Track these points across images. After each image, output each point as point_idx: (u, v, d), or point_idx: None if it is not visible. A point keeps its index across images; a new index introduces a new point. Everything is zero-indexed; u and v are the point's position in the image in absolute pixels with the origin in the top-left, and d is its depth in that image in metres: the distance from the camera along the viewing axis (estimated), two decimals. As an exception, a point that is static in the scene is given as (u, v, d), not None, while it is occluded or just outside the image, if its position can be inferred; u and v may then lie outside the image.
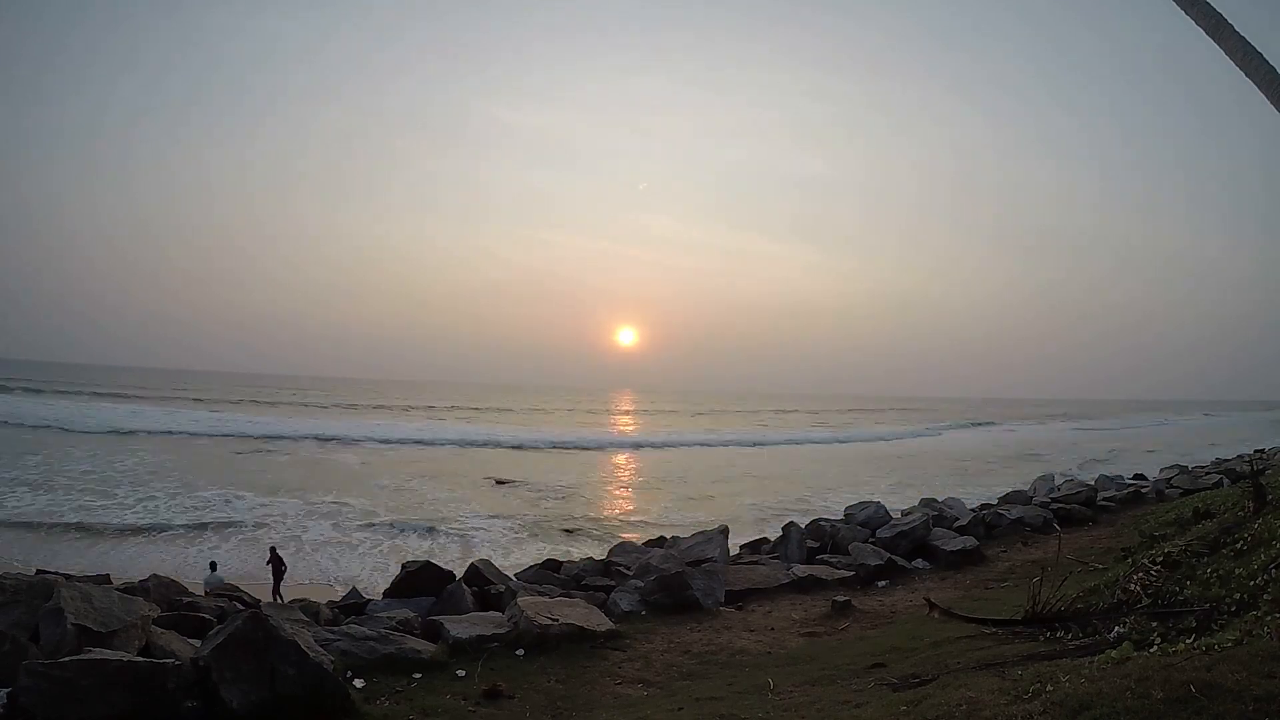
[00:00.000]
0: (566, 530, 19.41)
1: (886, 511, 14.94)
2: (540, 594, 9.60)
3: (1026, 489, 20.58)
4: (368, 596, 10.22)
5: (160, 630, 6.77)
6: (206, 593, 10.25)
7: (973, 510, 16.91)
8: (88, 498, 20.18)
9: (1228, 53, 7.97)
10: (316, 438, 39.71)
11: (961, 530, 14.37)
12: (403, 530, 17.95)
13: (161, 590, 8.87)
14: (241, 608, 8.20)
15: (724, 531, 12.83)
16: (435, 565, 10.26)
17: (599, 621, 8.52)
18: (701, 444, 47.97)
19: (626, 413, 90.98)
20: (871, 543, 12.93)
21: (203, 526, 17.62)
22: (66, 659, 5.36)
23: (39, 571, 8.59)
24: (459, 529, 18.56)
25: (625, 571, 11.29)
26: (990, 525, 15.22)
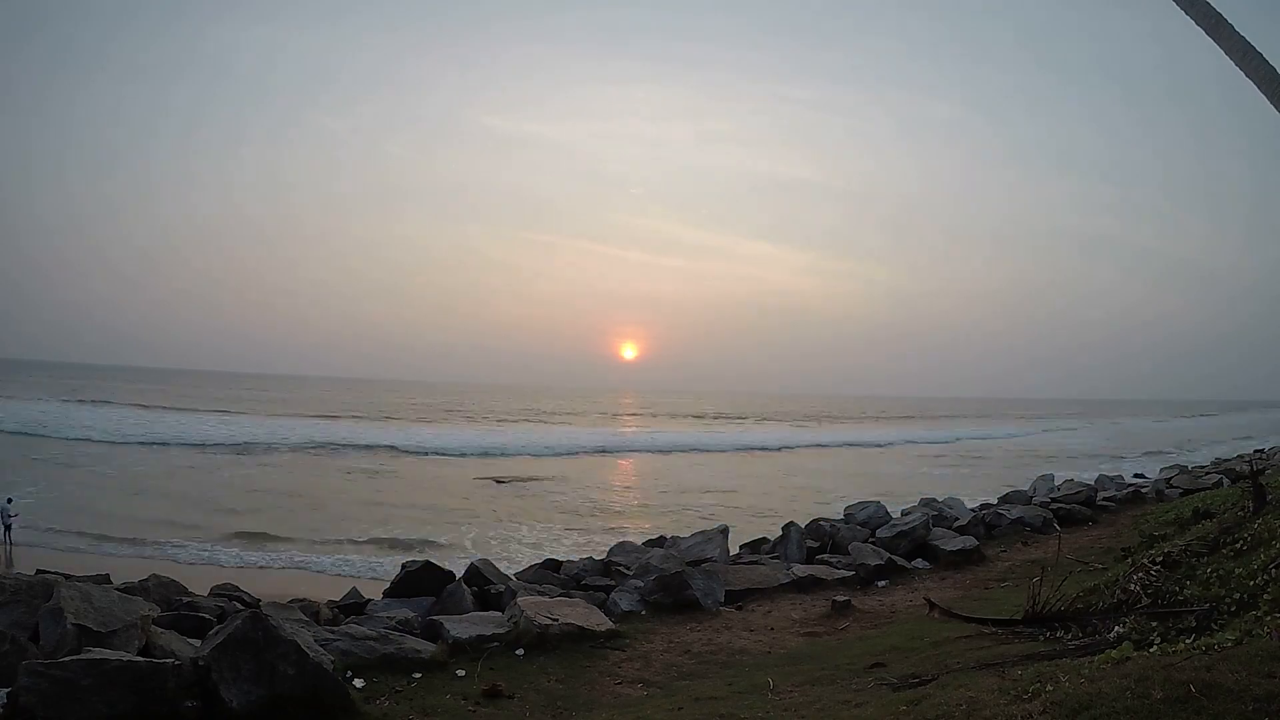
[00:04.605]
0: (568, 526, 19.40)
1: (886, 511, 14.94)
2: (540, 594, 9.60)
3: (1026, 489, 20.57)
4: (367, 596, 10.21)
5: (160, 630, 6.78)
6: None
7: (972, 510, 16.91)
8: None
9: (1227, 52, 7.98)
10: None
11: (961, 530, 14.37)
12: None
13: (161, 590, 8.87)
14: (241, 607, 8.20)
15: (724, 531, 12.83)
16: (435, 565, 10.26)
17: (599, 621, 8.53)
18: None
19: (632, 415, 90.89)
20: (871, 543, 12.93)
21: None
22: (66, 659, 5.36)
23: (39, 571, 8.57)
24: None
25: (625, 571, 11.28)
26: (990, 525, 15.23)
